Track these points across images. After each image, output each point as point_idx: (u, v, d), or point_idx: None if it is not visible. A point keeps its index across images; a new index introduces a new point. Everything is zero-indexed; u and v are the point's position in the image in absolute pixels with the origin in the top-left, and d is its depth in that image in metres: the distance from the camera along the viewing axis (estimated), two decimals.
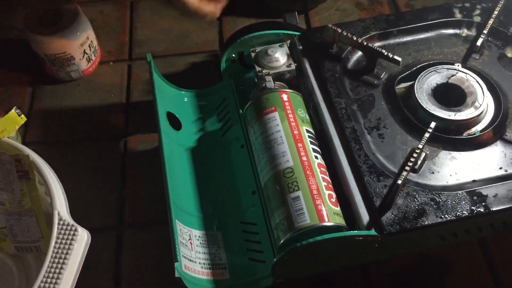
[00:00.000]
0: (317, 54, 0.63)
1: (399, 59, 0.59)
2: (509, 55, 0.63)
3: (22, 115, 0.55)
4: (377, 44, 0.64)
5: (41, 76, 0.73)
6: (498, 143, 0.55)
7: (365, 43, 0.60)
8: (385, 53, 0.59)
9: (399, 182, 0.48)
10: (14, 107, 0.55)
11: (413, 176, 0.53)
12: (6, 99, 0.70)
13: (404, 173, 0.49)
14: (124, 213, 0.61)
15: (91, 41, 0.71)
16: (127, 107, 0.70)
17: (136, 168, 0.64)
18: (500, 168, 0.53)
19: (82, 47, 0.69)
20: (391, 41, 0.65)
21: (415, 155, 0.51)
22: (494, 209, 0.49)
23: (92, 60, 0.72)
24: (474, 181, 0.53)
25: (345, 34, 0.61)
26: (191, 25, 0.78)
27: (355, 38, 0.60)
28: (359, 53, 0.63)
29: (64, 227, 0.46)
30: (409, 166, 0.50)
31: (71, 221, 0.47)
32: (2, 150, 0.54)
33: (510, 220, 0.52)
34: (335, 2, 0.81)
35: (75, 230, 0.46)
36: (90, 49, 0.70)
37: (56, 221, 0.47)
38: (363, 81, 0.61)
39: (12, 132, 0.54)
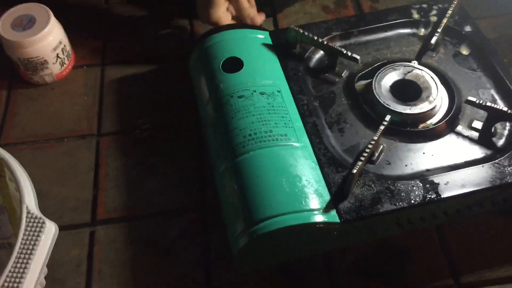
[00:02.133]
0: (281, 54, 0.65)
1: (358, 57, 0.62)
2: (463, 52, 0.66)
3: None
4: (338, 44, 0.67)
5: (15, 80, 0.74)
6: (451, 134, 0.58)
7: (325, 43, 0.63)
8: (344, 52, 0.62)
9: (354, 171, 0.51)
10: None
11: (370, 167, 0.56)
12: None
13: (359, 163, 0.52)
14: (96, 210, 0.62)
15: (64, 46, 0.72)
16: (100, 109, 0.72)
17: (109, 166, 0.66)
18: (452, 158, 0.56)
19: (55, 51, 0.71)
20: (352, 41, 0.68)
21: (370, 146, 0.53)
22: (445, 196, 0.52)
23: (65, 64, 0.74)
24: (427, 170, 0.55)
25: (306, 34, 0.63)
26: (162, 30, 0.81)
27: (315, 38, 0.63)
28: (321, 52, 0.66)
29: (32, 220, 0.48)
30: (364, 156, 0.52)
31: (39, 214, 0.49)
32: None
33: (463, 207, 0.55)
34: (302, 6, 0.84)
35: (43, 222, 0.48)
36: (63, 53, 0.72)
37: (24, 214, 0.48)
38: (325, 79, 0.64)
39: None
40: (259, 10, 0.75)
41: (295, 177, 0.53)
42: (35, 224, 0.47)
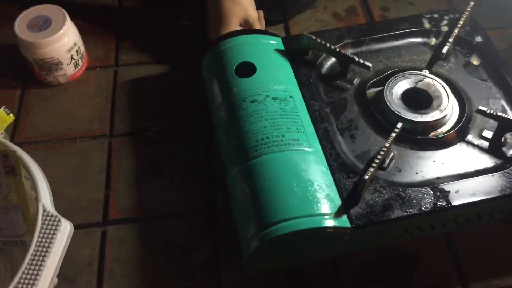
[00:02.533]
0: (293, 60, 0.66)
1: (370, 64, 0.62)
2: (474, 62, 0.67)
3: (11, 114, 0.57)
4: (350, 51, 0.68)
5: (30, 80, 0.75)
6: (462, 143, 0.59)
7: (337, 50, 0.64)
8: (356, 59, 0.63)
9: (366, 177, 0.51)
10: (3, 107, 0.57)
11: (381, 174, 0.56)
12: None
13: (371, 169, 0.52)
14: (107, 210, 0.63)
15: (79, 47, 0.73)
16: (112, 110, 0.73)
17: (120, 167, 0.67)
18: (463, 166, 0.57)
19: (70, 53, 0.72)
20: (364, 49, 0.69)
21: (381, 152, 0.54)
22: (455, 203, 0.53)
23: (79, 65, 0.75)
24: (438, 178, 0.56)
25: (319, 41, 0.64)
26: (174, 32, 0.82)
27: (328, 45, 0.64)
28: (333, 59, 0.67)
29: (48, 218, 0.48)
30: (375, 163, 0.53)
31: (55, 213, 0.49)
32: None
33: (472, 216, 0.56)
34: (313, 13, 0.85)
35: (59, 221, 0.48)
36: (78, 55, 0.73)
37: (40, 212, 0.49)
38: (337, 85, 0.65)
39: (1, 130, 0.57)
40: (270, 17, 0.77)
41: (307, 182, 0.53)
42: (51, 223, 0.48)
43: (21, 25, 0.70)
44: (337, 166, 0.56)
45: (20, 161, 0.54)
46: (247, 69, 0.63)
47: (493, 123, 0.58)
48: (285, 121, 0.58)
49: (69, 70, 0.73)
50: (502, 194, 0.53)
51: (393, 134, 0.56)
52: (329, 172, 0.55)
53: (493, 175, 0.55)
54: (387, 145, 0.55)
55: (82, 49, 0.75)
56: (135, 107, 0.73)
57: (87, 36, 0.77)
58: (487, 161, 0.57)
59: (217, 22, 0.72)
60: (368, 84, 0.64)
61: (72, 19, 0.73)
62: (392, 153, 0.57)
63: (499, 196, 0.53)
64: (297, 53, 0.67)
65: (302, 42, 0.66)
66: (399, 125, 0.57)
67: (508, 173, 0.55)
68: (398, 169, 0.57)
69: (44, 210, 0.49)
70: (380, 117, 0.61)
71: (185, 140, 0.69)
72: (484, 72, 0.65)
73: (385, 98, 0.61)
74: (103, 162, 0.67)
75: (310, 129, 0.59)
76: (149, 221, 0.62)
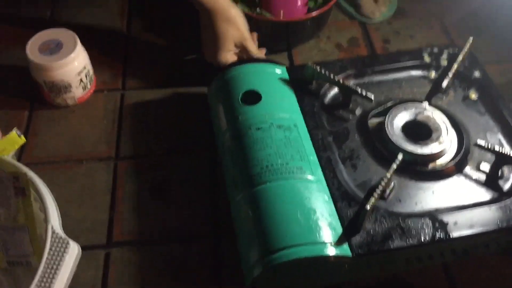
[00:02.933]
0: (297, 89, 0.68)
1: (372, 96, 0.64)
2: (472, 96, 0.69)
3: (22, 136, 0.59)
4: (352, 82, 0.70)
5: (38, 101, 0.76)
6: (460, 175, 0.61)
7: (340, 81, 0.66)
8: (359, 91, 0.65)
9: (368, 207, 0.53)
10: (14, 128, 0.59)
11: (381, 204, 0.58)
12: (4, 122, 0.73)
13: (372, 199, 0.54)
14: (112, 232, 0.64)
15: (88, 70, 0.75)
16: (118, 133, 0.74)
17: (125, 189, 0.68)
18: (461, 198, 0.58)
19: (79, 76, 0.73)
20: (366, 80, 0.71)
21: (382, 183, 0.55)
22: (453, 235, 0.54)
23: (87, 88, 0.76)
24: (436, 209, 0.57)
25: (323, 72, 0.66)
26: (180, 57, 0.84)
27: (332, 76, 0.66)
28: (336, 89, 0.69)
29: (57, 240, 0.50)
30: (377, 193, 0.54)
31: (63, 235, 0.51)
32: (1, 168, 0.57)
33: (470, 247, 0.57)
34: (317, 43, 0.87)
35: (67, 243, 0.50)
36: (87, 78, 0.75)
37: (49, 234, 0.50)
38: (339, 115, 0.67)
39: (12, 151, 0.58)
40: (275, 46, 0.79)
41: (310, 210, 0.55)
42: (59, 245, 0.49)
43: (32, 48, 0.72)
44: (339, 195, 0.57)
45: (31, 183, 0.55)
46: (253, 97, 0.65)
47: (491, 156, 0.60)
48: (289, 149, 0.60)
49: (77, 92, 0.75)
50: (499, 227, 0.55)
51: (394, 165, 0.57)
52: (331, 200, 0.57)
53: (490, 208, 0.56)
54: (388, 176, 0.56)
55: (91, 72, 0.77)
56: (141, 130, 0.74)
57: (95, 59, 0.79)
58: (485, 194, 0.59)
59: (213, 43, 0.74)
60: (370, 115, 0.66)
61: (82, 42, 0.75)
62: (393, 183, 0.59)
63: (496, 229, 0.55)
64: (301, 83, 0.69)
65: (307, 72, 0.68)
66: (400, 156, 0.58)
67: (504, 206, 0.56)
68: (398, 199, 0.58)
69: (53, 232, 0.50)
70: (381, 147, 0.62)
71: (189, 163, 0.71)
72: (482, 106, 0.68)
73: (386, 129, 0.63)
74: (109, 184, 0.68)
75: (313, 157, 0.60)
76: (153, 244, 0.63)
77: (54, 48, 0.72)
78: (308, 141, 0.62)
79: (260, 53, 0.77)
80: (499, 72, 0.81)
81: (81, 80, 0.74)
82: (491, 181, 0.60)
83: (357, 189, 0.59)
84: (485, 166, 0.61)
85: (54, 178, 0.68)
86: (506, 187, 0.59)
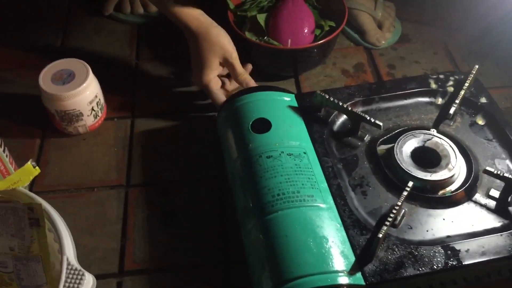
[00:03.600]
0: (306, 117, 0.69)
1: (380, 123, 0.65)
2: (479, 122, 0.70)
3: (37, 167, 0.60)
4: (360, 109, 0.71)
5: (49, 129, 0.78)
6: (470, 202, 0.61)
7: (349, 108, 0.67)
8: (368, 118, 0.65)
9: (380, 236, 0.53)
10: (30, 160, 0.59)
11: (393, 231, 0.58)
12: (16, 150, 0.74)
13: (384, 227, 0.54)
14: (123, 261, 0.64)
15: (99, 99, 0.76)
16: (129, 161, 0.75)
17: (136, 217, 0.68)
18: (472, 225, 0.59)
19: (91, 105, 0.74)
20: (374, 107, 0.72)
21: (394, 211, 0.56)
22: (466, 263, 0.54)
23: (98, 116, 0.77)
24: (448, 236, 0.58)
25: (332, 99, 0.67)
26: (188, 87, 0.85)
27: (340, 104, 0.67)
28: (344, 116, 0.69)
29: (72, 271, 0.50)
30: (389, 221, 0.55)
31: (79, 266, 0.51)
32: (16, 199, 0.58)
33: (482, 274, 0.57)
34: (323, 69, 0.89)
35: (82, 274, 0.50)
36: (98, 106, 0.76)
37: (65, 265, 0.51)
38: (348, 142, 0.67)
39: (27, 182, 0.59)
40: (283, 71, 0.81)
41: (322, 238, 0.55)
42: (75, 276, 0.50)
43: (45, 78, 0.73)
44: (351, 222, 0.58)
45: (45, 213, 0.56)
46: (263, 124, 0.66)
47: (500, 183, 0.61)
48: (300, 177, 0.60)
49: (89, 121, 0.76)
50: (511, 254, 0.55)
51: (405, 193, 0.58)
52: (342, 228, 0.57)
53: (501, 235, 0.56)
54: (399, 203, 0.56)
55: (102, 100, 0.78)
56: (151, 157, 0.75)
57: (106, 87, 0.80)
58: (495, 221, 0.59)
59: (198, 64, 0.76)
60: (379, 142, 0.67)
61: (92, 71, 0.76)
62: (403, 210, 0.59)
63: (508, 256, 0.55)
64: (310, 110, 0.70)
65: (316, 100, 0.68)
66: (410, 183, 0.59)
67: None
68: (409, 227, 0.59)
69: (69, 264, 0.51)
70: (390, 174, 0.63)
71: (199, 191, 0.71)
72: (490, 132, 0.68)
73: (396, 157, 0.63)
74: (120, 212, 0.69)
75: (324, 185, 0.61)
76: (164, 272, 0.63)
77: (67, 78, 0.73)
78: (318, 168, 0.63)
79: (248, 76, 0.78)
80: (504, 97, 0.82)
81: (92, 109, 0.75)
82: (501, 208, 0.60)
83: (368, 217, 0.59)
84: (495, 193, 0.61)
85: (65, 206, 0.69)
86: None
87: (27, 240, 0.56)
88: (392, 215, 0.55)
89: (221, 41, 0.75)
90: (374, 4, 0.95)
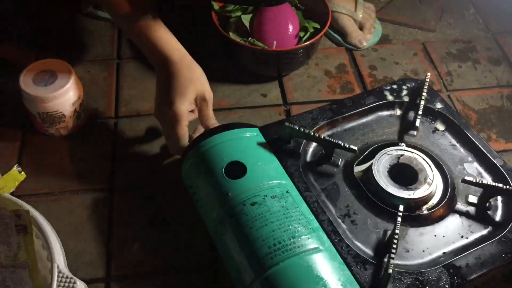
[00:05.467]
0: (276, 150, 0.66)
1: (355, 147, 0.64)
2: (440, 128, 0.71)
3: (23, 172, 0.59)
4: (327, 133, 0.70)
5: (29, 131, 0.75)
6: (454, 213, 0.62)
7: (322, 137, 0.65)
8: (342, 144, 0.64)
9: (390, 271, 0.52)
10: (16, 165, 0.59)
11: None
12: None
13: (391, 260, 0.53)
14: (110, 265, 0.63)
15: (82, 100, 0.74)
16: (113, 162, 0.73)
17: (122, 221, 0.67)
18: (462, 236, 0.60)
19: (73, 106, 0.72)
20: (339, 128, 0.71)
21: (395, 241, 0.55)
22: (469, 278, 0.55)
23: (81, 117, 0.75)
24: (444, 253, 0.58)
25: (302, 130, 0.65)
26: None
27: (312, 133, 0.65)
28: (314, 144, 0.68)
29: (64, 279, 0.51)
30: (393, 253, 0.54)
31: (70, 274, 0.52)
32: (2, 206, 0.58)
33: (480, 283, 0.59)
34: (306, 70, 0.89)
35: (74, 282, 0.51)
36: (81, 108, 0.74)
37: (55, 273, 0.51)
38: (324, 171, 0.66)
39: (12, 188, 0.59)
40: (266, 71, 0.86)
41: (332, 283, 0.52)
42: (66, 284, 0.51)
43: (26, 79, 0.70)
44: (351, 259, 0.56)
45: (33, 220, 0.56)
46: (235, 167, 0.62)
47: (475, 188, 0.63)
48: (291, 221, 0.57)
49: (71, 122, 0.74)
50: (506, 261, 0.57)
51: (399, 219, 0.57)
52: (345, 266, 0.55)
53: (492, 243, 0.58)
54: (397, 231, 0.56)
55: (85, 102, 0.76)
56: (136, 159, 0.74)
57: (87, 88, 0.78)
58: (481, 227, 0.61)
59: (173, 92, 0.67)
60: (354, 164, 0.66)
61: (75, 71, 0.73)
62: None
63: (504, 263, 0.56)
64: (278, 142, 0.67)
65: (285, 132, 0.66)
66: (401, 207, 0.59)
67: (504, 238, 0.58)
68: (406, 250, 0.58)
69: (59, 272, 0.51)
70: (375, 198, 0.62)
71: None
72: (452, 137, 0.70)
73: (375, 178, 0.63)
74: (105, 216, 0.67)
75: (315, 223, 0.58)
76: (151, 275, 0.63)
77: (49, 79, 0.70)
78: (303, 205, 0.60)
79: (215, 121, 0.72)
80: (481, 98, 0.86)
81: (75, 110, 0.73)
82: (482, 214, 0.62)
83: (364, 247, 0.58)
84: (473, 198, 0.63)
85: (49, 210, 0.66)
86: (497, 217, 0.62)
87: (13, 248, 0.56)
88: (394, 246, 0.55)
89: (203, 78, 0.70)
90: (354, 6, 0.95)
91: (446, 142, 0.70)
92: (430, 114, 0.72)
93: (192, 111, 0.71)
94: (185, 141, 0.69)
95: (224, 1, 0.84)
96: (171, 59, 0.69)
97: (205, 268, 0.64)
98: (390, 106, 0.73)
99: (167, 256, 0.64)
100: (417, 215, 0.61)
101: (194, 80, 0.69)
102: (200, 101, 0.70)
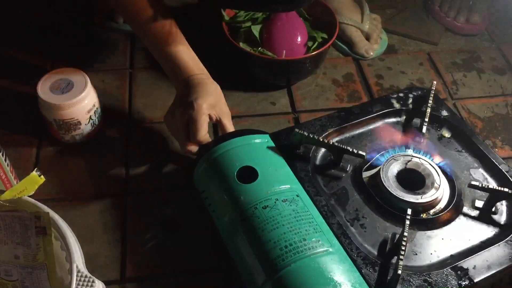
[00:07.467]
0: (286, 156, 0.67)
1: (363, 153, 0.66)
2: (446, 135, 0.73)
3: (42, 176, 0.60)
4: (336, 139, 0.71)
5: (45, 138, 0.78)
6: (460, 217, 0.63)
7: (331, 143, 0.66)
8: (350, 150, 0.66)
9: (399, 272, 0.53)
10: (35, 169, 0.60)
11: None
12: (12, 159, 0.69)
13: (400, 262, 0.55)
14: (125, 268, 0.64)
15: (97, 108, 0.77)
16: (127, 168, 0.75)
17: (136, 225, 0.69)
18: (469, 239, 0.61)
19: (89, 114, 0.75)
20: (347, 135, 0.73)
21: (403, 243, 0.56)
22: (477, 280, 0.56)
23: (96, 125, 0.77)
24: (452, 255, 0.60)
25: (311, 136, 0.66)
26: None
27: (321, 139, 0.66)
28: (323, 149, 0.69)
29: (82, 278, 0.52)
30: (402, 255, 0.55)
31: (88, 274, 0.53)
32: (22, 208, 0.59)
33: (486, 285, 0.60)
34: (314, 79, 0.91)
35: (92, 281, 0.52)
36: (95, 115, 0.76)
37: (74, 273, 0.53)
38: (333, 175, 0.67)
39: (32, 191, 0.59)
40: (275, 81, 0.89)
41: (342, 284, 0.54)
42: (85, 283, 0.52)
43: (43, 87, 0.73)
44: (361, 261, 0.57)
45: (52, 222, 0.57)
46: (247, 172, 0.64)
47: (481, 193, 0.64)
48: (302, 223, 0.59)
49: (86, 129, 0.76)
50: None
51: (407, 222, 0.59)
52: (355, 268, 0.57)
53: (499, 245, 0.59)
54: (406, 234, 0.57)
55: (100, 109, 0.78)
56: (149, 165, 0.76)
57: (102, 97, 0.80)
58: (487, 231, 0.62)
59: (193, 94, 0.69)
60: (363, 170, 0.67)
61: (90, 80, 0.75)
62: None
63: (511, 265, 0.58)
64: (288, 148, 0.68)
65: (294, 138, 0.67)
66: (409, 211, 0.60)
67: (510, 241, 0.60)
68: (414, 253, 0.60)
69: (78, 271, 0.53)
70: (383, 202, 0.64)
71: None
72: (458, 143, 0.72)
73: (384, 184, 0.64)
74: (120, 220, 0.69)
75: (325, 226, 0.60)
76: (166, 278, 0.64)
77: (66, 87, 0.73)
78: (314, 209, 0.62)
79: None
80: (486, 106, 0.88)
81: (90, 118, 0.75)
82: (487, 218, 0.63)
83: (374, 250, 0.60)
84: (480, 203, 0.64)
85: (65, 214, 0.65)
86: (502, 220, 0.63)
87: (33, 249, 0.56)
88: (403, 248, 0.56)
89: (222, 98, 0.73)
90: (361, 17, 0.97)
91: (452, 149, 0.71)
92: (436, 121, 0.74)
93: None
94: (204, 131, 0.69)
95: (241, 9, 0.86)
96: (194, 76, 0.71)
97: (217, 271, 0.65)
98: (397, 113, 0.75)
99: (180, 259, 0.66)
100: (425, 219, 0.63)
101: (218, 100, 0.72)
102: (215, 117, 0.71)
